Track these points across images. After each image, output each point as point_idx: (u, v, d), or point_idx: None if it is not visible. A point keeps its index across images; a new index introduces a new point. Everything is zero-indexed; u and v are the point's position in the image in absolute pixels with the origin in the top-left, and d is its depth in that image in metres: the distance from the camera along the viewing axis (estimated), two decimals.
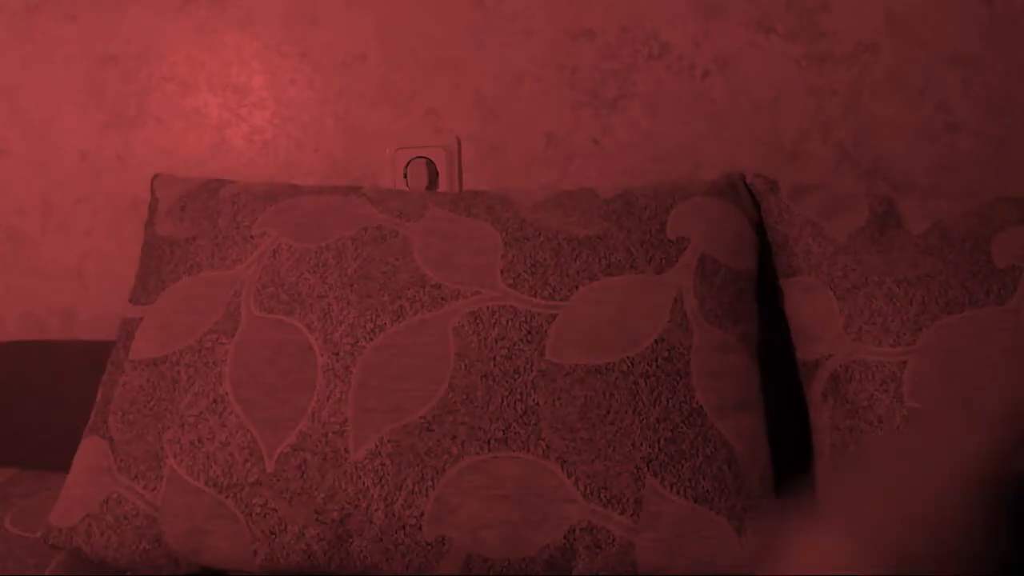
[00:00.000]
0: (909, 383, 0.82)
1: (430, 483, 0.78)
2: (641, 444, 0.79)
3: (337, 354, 0.84)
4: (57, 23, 1.21)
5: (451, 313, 0.85)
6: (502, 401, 0.80)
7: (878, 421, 0.82)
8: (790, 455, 0.89)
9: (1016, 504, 0.51)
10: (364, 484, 0.79)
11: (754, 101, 1.15)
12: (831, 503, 0.61)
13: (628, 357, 0.83)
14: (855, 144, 1.14)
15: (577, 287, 0.86)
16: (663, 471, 0.78)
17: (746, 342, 0.89)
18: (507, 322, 0.84)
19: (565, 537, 0.78)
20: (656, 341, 0.84)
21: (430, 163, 1.19)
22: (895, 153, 1.14)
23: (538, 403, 0.80)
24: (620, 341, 0.83)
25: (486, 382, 0.81)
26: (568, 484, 0.78)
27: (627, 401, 0.81)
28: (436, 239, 0.90)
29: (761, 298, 0.95)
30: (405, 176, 1.19)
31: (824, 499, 0.63)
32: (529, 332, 0.83)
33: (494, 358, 0.82)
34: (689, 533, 0.77)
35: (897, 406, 0.82)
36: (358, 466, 0.79)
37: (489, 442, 0.79)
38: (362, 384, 0.82)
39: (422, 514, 0.78)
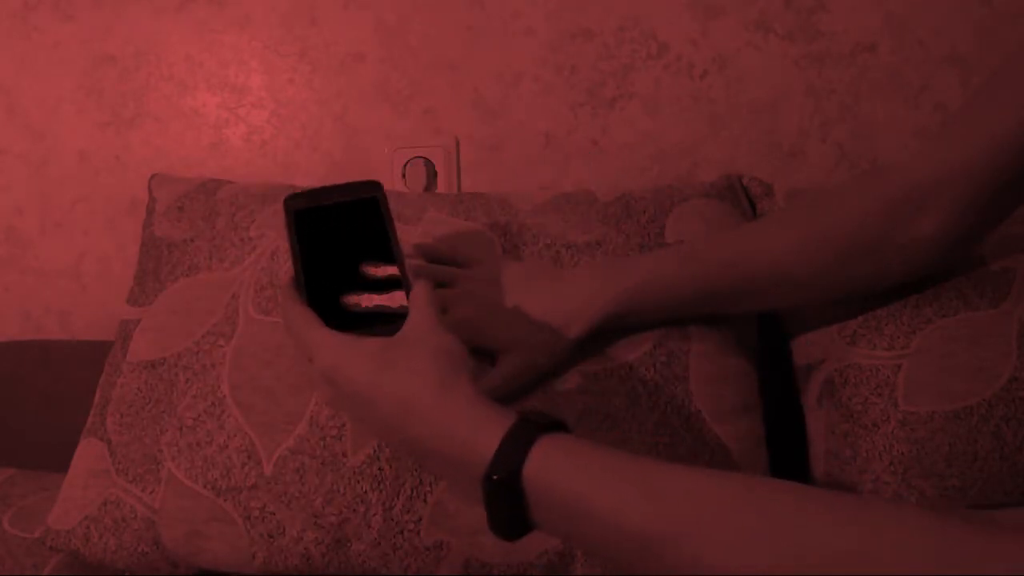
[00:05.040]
0: (903, 387, 0.82)
1: (428, 488, 0.79)
2: (639, 449, 0.79)
3: None
4: (55, 23, 1.21)
5: None
6: None
7: (873, 425, 0.82)
8: (788, 460, 0.89)
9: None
10: (362, 488, 0.79)
11: (752, 101, 1.15)
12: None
13: (626, 362, 0.83)
14: (853, 144, 1.14)
15: None
16: None
17: (744, 346, 0.89)
18: None
19: (564, 542, 0.78)
20: (654, 345, 0.84)
21: (428, 163, 1.19)
22: (893, 153, 1.14)
23: (536, 408, 0.80)
24: (618, 345, 0.83)
25: None
26: None
27: (625, 406, 0.81)
28: None
29: None
30: (403, 176, 1.19)
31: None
32: None
33: None
34: None
35: (892, 410, 0.82)
36: (356, 470, 0.79)
37: None
38: None
39: (420, 519, 0.78)
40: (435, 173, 1.19)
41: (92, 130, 1.23)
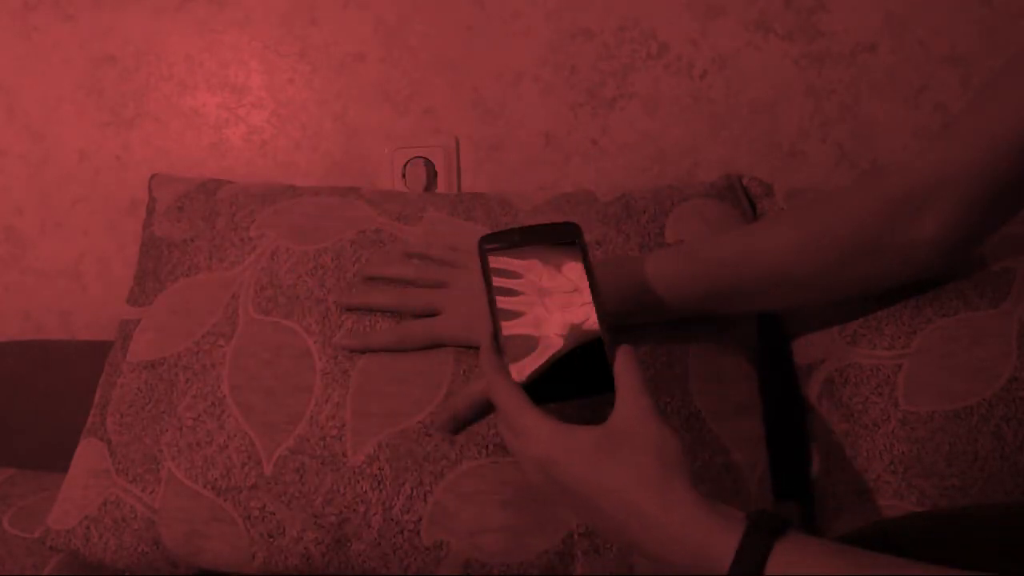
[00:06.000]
0: (904, 386, 0.82)
1: (428, 488, 0.79)
2: None
3: (335, 357, 0.84)
4: (55, 23, 1.21)
5: None
6: None
7: (873, 425, 0.82)
8: (788, 460, 0.89)
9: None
10: (362, 488, 0.79)
11: (752, 101, 1.15)
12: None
13: None
14: (853, 144, 1.14)
15: None
16: None
17: (744, 345, 0.89)
18: None
19: (563, 542, 0.78)
20: (654, 345, 0.84)
21: (428, 163, 1.19)
22: (893, 153, 1.14)
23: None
24: None
25: None
26: None
27: None
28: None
29: None
30: (403, 176, 1.19)
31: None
32: None
33: None
34: None
35: (892, 410, 0.82)
36: (356, 470, 0.80)
37: (488, 447, 0.79)
38: (360, 388, 0.82)
39: (420, 519, 0.78)
40: (435, 173, 1.19)
41: (92, 130, 1.23)
